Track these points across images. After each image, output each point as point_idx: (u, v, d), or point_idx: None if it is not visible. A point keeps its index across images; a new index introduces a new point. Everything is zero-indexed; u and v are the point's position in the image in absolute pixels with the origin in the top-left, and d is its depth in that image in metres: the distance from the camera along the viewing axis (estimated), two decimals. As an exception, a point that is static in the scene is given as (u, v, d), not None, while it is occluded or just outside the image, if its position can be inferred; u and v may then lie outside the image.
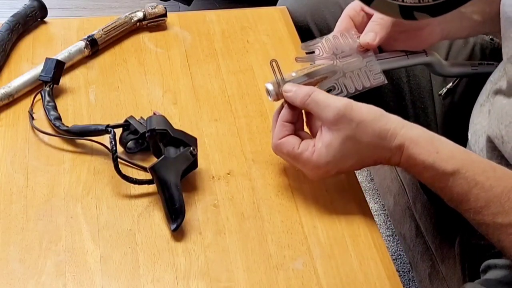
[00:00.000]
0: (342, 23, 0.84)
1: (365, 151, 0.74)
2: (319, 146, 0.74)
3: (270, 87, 0.78)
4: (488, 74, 0.90)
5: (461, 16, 0.86)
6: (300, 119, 0.79)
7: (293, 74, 0.79)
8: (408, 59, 0.86)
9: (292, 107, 0.77)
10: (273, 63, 0.78)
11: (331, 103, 0.74)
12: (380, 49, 0.85)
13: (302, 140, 0.77)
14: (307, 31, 1.06)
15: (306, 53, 0.83)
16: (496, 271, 0.83)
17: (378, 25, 0.81)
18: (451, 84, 1.02)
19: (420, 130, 0.74)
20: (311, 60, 0.82)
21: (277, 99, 0.79)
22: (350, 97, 0.77)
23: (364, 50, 0.82)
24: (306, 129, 0.80)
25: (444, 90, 1.02)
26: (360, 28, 0.83)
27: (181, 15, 1.06)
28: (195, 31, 1.03)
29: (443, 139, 0.74)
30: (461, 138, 0.84)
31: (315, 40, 0.83)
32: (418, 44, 0.86)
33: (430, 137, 0.73)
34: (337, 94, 0.80)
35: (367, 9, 0.83)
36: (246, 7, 1.08)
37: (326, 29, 1.05)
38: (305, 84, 0.79)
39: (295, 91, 0.77)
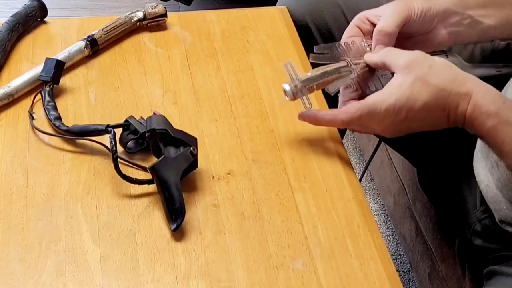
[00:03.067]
0: (350, 32, 0.86)
1: (435, 93, 0.75)
2: (389, 88, 0.77)
3: (287, 87, 0.81)
4: (509, 76, 0.88)
5: (470, 20, 0.86)
6: None
7: (309, 74, 0.81)
8: None
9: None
10: (288, 65, 0.80)
11: (405, 52, 0.79)
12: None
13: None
14: (306, 31, 1.06)
15: (320, 54, 0.84)
16: (503, 278, 0.82)
17: (382, 44, 0.83)
18: None
19: (489, 85, 0.75)
20: (326, 59, 0.83)
21: (294, 98, 0.81)
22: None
23: None
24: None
25: None
26: (367, 36, 0.85)
27: (181, 15, 1.06)
28: (195, 31, 1.03)
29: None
30: (462, 138, 0.84)
31: (328, 44, 0.84)
32: (426, 49, 0.86)
33: (498, 92, 0.75)
34: (352, 92, 0.82)
35: (372, 18, 0.85)
36: (246, 7, 1.08)
37: (325, 29, 1.06)
38: (321, 82, 0.81)
39: (376, 51, 0.82)
